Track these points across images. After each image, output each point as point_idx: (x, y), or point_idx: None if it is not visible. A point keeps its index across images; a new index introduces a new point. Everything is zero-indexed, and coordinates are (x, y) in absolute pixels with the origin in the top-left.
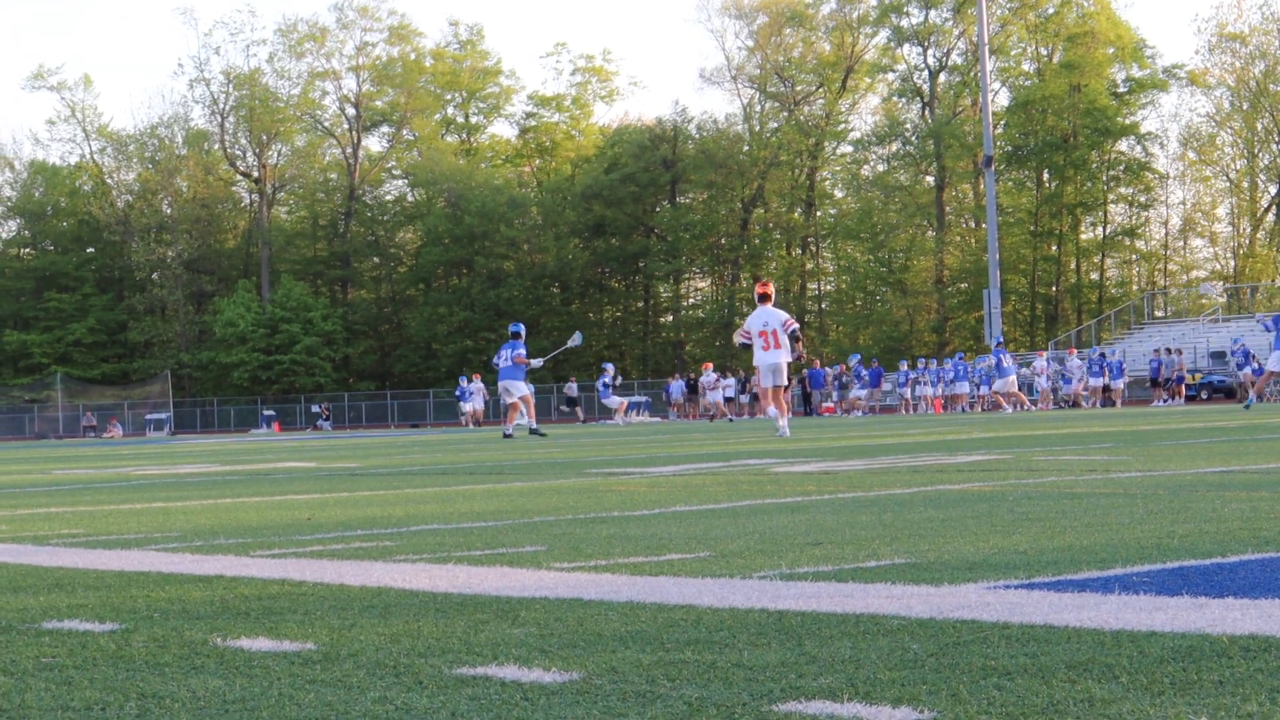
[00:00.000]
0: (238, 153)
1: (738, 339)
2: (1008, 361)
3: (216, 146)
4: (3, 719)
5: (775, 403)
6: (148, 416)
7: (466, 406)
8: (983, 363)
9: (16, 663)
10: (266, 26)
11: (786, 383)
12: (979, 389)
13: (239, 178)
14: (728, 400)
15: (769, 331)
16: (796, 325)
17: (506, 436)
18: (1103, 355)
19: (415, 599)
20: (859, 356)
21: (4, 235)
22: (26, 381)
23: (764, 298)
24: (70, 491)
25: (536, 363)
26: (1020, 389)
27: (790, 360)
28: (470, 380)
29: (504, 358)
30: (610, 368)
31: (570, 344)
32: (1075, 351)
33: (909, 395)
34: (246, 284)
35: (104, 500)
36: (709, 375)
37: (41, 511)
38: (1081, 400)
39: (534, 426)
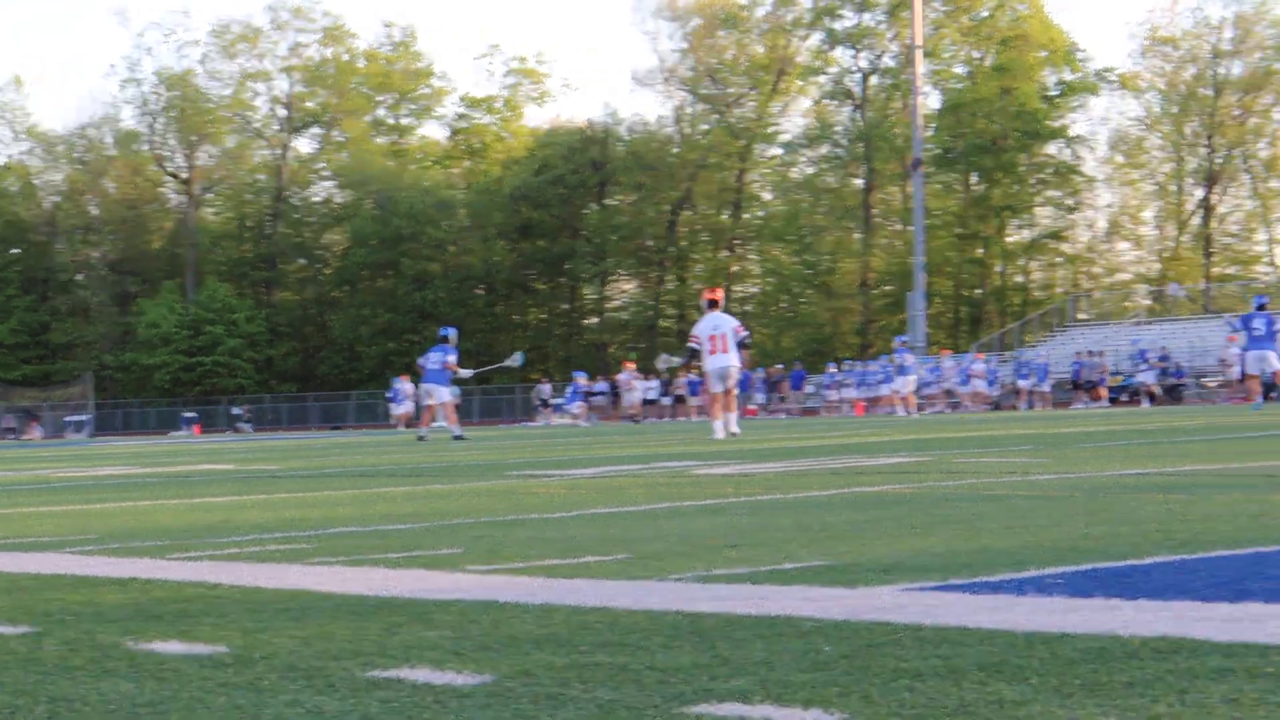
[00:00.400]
0: (167, 154)
1: (689, 346)
2: (909, 361)
3: (146, 147)
4: None
5: (726, 407)
6: (67, 418)
7: (398, 410)
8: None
9: None
10: (200, 27)
11: (734, 387)
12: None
13: (167, 178)
14: (648, 403)
15: (718, 336)
16: (747, 333)
17: (420, 439)
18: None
19: (330, 601)
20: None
21: None
22: None
23: (713, 304)
24: None
25: (466, 373)
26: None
27: (738, 365)
28: (401, 382)
29: (432, 360)
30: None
31: (509, 363)
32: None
33: (833, 397)
34: (171, 285)
35: (21, 503)
36: (626, 375)
37: None
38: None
39: (457, 433)
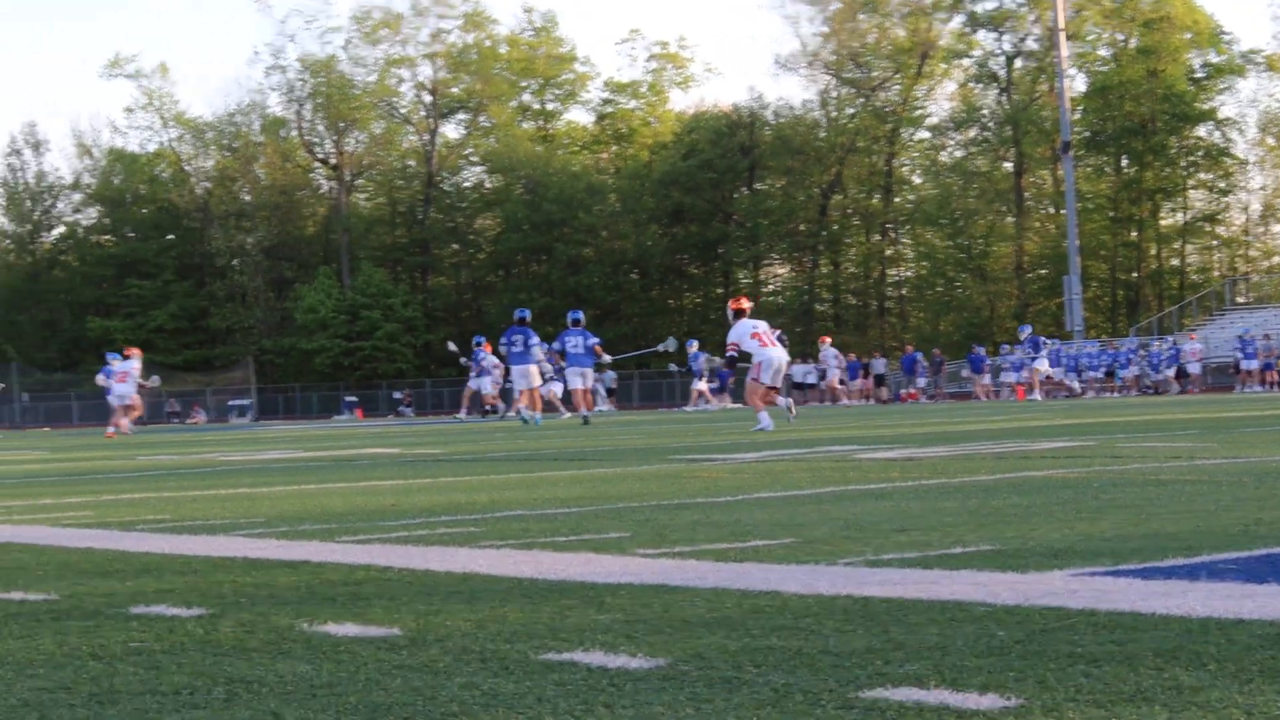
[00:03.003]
0: (315, 140)
1: (728, 354)
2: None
3: (294, 133)
4: (93, 703)
5: (767, 400)
6: (231, 402)
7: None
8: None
9: (105, 647)
10: (341, 14)
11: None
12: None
13: (316, 165)
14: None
15: (760, 333)
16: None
17: (585, 422)
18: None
19: (501, 584)
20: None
21: (85, 222)
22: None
23: (739, 313)
24: (155, 477)
25: (607, 358)
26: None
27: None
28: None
29: (575, 344)
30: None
31: (661, 348)
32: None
33: (992, 381)
34: (327, 270)
35: (189, 486)
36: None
37: (127, 498)
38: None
39: (534, 416)
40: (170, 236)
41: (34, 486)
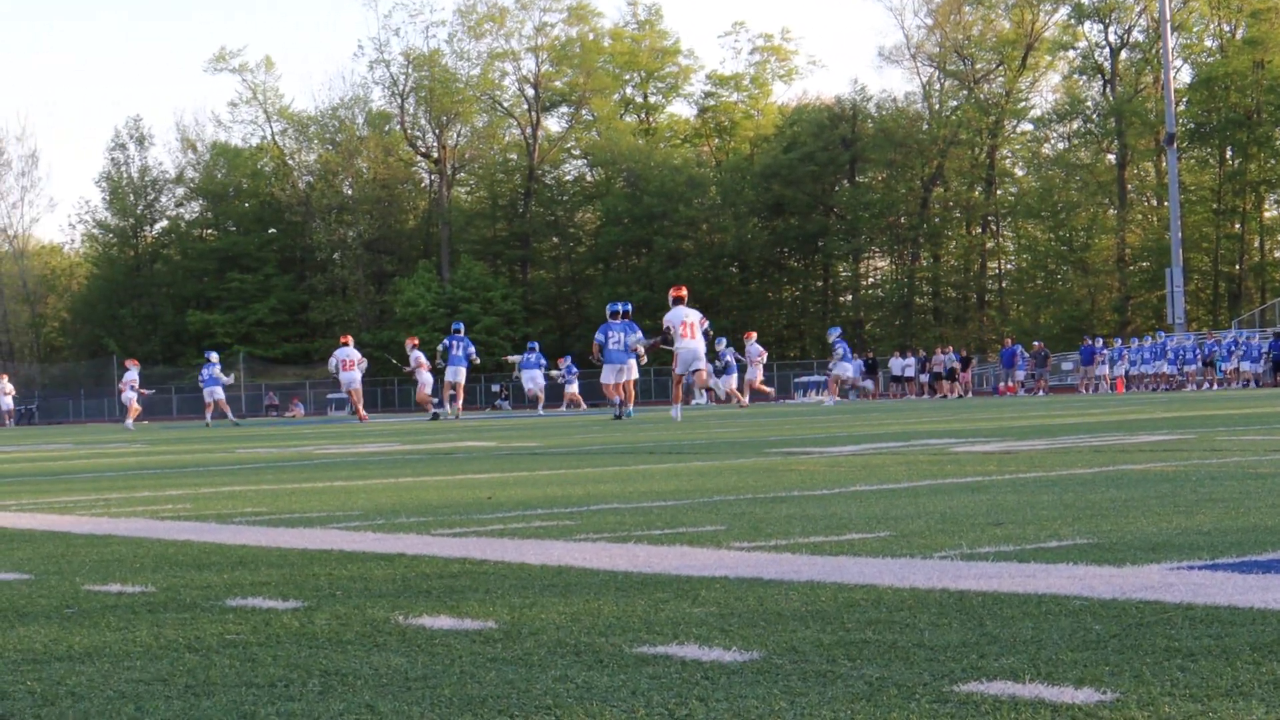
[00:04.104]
0: (417, 134)
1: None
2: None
3: (397, 127)
4: (188, 695)
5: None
6: (329, 396)
7: (569, 388)
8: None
9: (202, 640)
10: (445, 8)
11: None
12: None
13: (419, 158)
14: (906, 379)
15: (688, 324)
16: (708, 323)
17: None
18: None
19: (595, 578)
20: (838, 330)
21: (187, 216)
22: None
23: (678, 300)
24: (253, 470)
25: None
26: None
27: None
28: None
29: (617, 340)
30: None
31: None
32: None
33: (1092, 374)
34: (427, 264)
35: (286, 479)
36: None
37: (225, 490)
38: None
39: (626, 410)
40: (272, 230)
41: (133, 479)
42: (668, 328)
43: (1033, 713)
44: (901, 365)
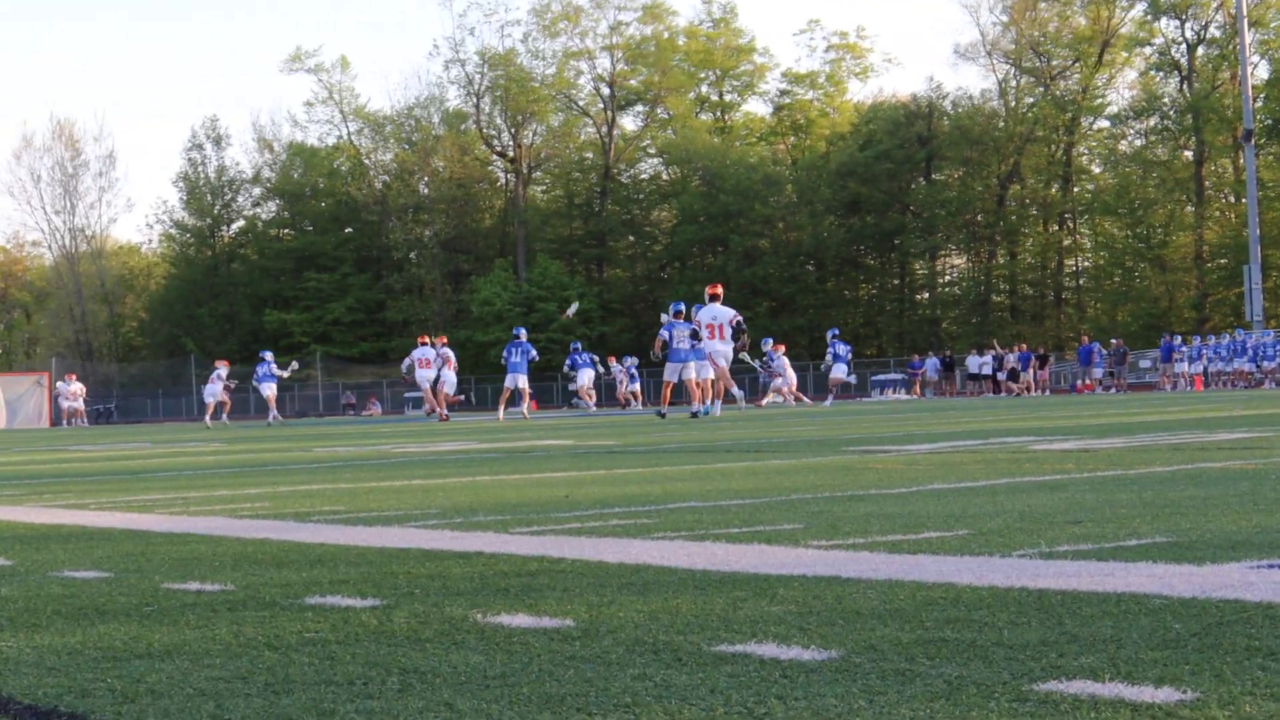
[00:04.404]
0: (493, 133)
1: (692, 328)
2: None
3: (472, 126)
4: (268, 693)
5: (716, 391)
6: (407, 394)
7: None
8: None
9: (281, 638)
10: (520, 7)
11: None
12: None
13: (495, 157)
14: (984, 377)
15: (715, 324)
16: (740, 318)
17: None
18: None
19: (673, 576)
20: (835, 331)
21: (264, 216)
22: (286, 360)
23: (714, 298)
24: (331, 469)
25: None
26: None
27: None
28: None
29: (681, 338)
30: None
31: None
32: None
33: (1171, 371)
34: (503, 263)
35: (364, 478)
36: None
37: (303, 489)
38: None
39: (700, 408)
40: (348, 230)
41: (211, 478)
42: (697, 321)
43: (1113, 712)
44: (979, 363)
